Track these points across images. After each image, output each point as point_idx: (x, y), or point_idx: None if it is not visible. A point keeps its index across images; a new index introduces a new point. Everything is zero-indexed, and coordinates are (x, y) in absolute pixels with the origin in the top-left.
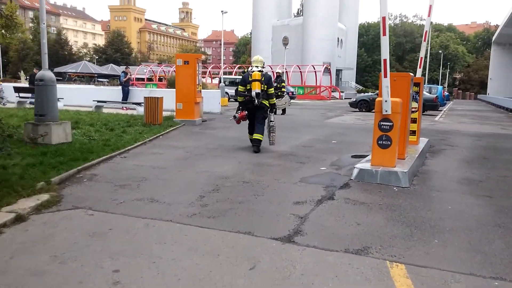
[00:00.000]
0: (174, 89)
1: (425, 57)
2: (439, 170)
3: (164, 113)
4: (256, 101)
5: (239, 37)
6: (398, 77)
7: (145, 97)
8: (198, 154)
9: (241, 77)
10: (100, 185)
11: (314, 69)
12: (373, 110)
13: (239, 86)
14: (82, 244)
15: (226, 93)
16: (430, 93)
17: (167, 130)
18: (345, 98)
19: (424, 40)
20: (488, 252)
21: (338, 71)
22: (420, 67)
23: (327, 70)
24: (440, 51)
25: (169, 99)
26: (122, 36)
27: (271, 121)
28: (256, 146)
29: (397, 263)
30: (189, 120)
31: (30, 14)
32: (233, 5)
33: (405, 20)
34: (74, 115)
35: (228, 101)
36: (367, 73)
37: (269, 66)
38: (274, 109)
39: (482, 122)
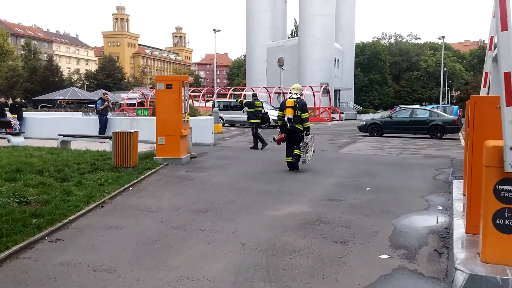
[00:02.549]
0: None
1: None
2: None
3: (145, 149)
4: (288, 126)
5: (233, 60)
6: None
7: (113, 132)
8: (176, 227)
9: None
10: None
11: (312, 90)
12: (385, 135)
13: (279, 111)
14: None
15: (221, 118)
16: (444, 114)
17: (142, 177)
18: (345, 120)
19: (490, 50)
20: None
21: (336, 92)
22: (485, 86)
23: (326, 91)
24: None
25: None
26: (114, 61)
27: (305, 142)
28: (295, 159)
29: None
30: (173, 158)
31: (22, 41)
32: (226, 28)
33: (400, 39)
34: (24, 156)
35: (223, 126)
36: (364, 93)
37: (265, 88)
38: (309, 132)
39: None
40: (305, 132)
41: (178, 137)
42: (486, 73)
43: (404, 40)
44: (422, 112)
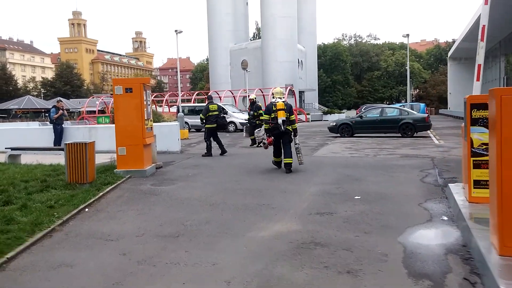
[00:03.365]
0: None
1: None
2: None
3: (104, 160)
4: (282, 127)
5: (195, 64)
6: None
7: (66, 144)
8: (142, 261)
9: (203, 104)
10: None
11: None
12: (356, 135)
13: (264, 115)
14: None
15: (186, 123)
16: (414, 112)
17: (100, 194)
18: (312, 121)
19: (482, 40)
20: None
21: (301, 93)
22: (478, 79)
23: (291, 92)
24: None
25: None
26: (72, 68)
27: (296, 144)
28: (288, 168)
29: None
30: (136, 170)
31: None
32: (187, 32)
33: (360, 40)
34: None
35: (189, 132)
36: (327, 93)
37: (230, 91)
38: (297, 133)
39: None
40: (293, 133)
41: (141, 146)
42: (479, 65)
43: (364, 40)
44: (392, 110)
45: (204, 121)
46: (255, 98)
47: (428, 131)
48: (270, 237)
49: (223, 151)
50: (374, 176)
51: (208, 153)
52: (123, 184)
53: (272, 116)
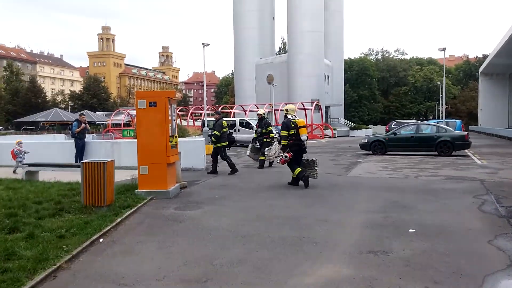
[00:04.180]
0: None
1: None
2: None
3: (126, 177)
4: (305, 144)
5: (220, 78)
6: None
7: (83, 162)
8: None
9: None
10: None
11: (304, 106)
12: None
13: (282, 131)
14: None
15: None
16: (451, 129)
17: (118, 220)
18: (338, 136)
19: None
20: None
21: (327, 108)
22: None
23: (318, 107)
24: (438, 83)
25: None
26: (99, 81)
27: (314, 159)
28: (308, 182)
29: None
30: (159, 191)
31: (4, 63)
32: (213, 46)
33: (387, 55)
34: None
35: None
36: (354, 108)
37: (255, 105)
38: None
39: None
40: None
41: (165, 165)
42: None
43: (391, 55)
44: (428, 127)
45: (219, 138)
46: (264, 114)
47: (466, 150)
48: (318, 287)
49: (234, 171)
50: (423, 202)
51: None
52: (144, 207)
53: (291, 133)
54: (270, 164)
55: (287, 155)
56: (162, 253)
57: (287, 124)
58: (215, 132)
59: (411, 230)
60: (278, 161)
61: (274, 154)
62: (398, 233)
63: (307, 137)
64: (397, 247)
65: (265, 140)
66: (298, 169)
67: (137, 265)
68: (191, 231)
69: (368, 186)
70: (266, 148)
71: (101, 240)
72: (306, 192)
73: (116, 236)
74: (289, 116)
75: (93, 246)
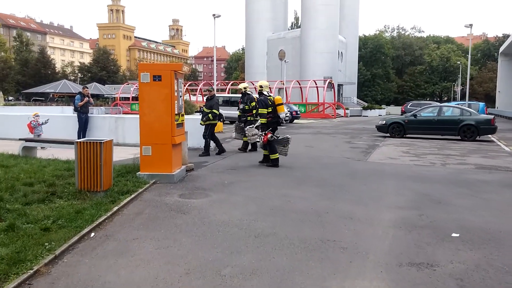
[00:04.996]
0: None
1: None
2: None
3: (128, 156)
4: (283, 122)
5: (231, 53)
6: None
7: (76, 142)
8: None
9: (238, 96)
10: None
11: (316, 84)
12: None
13: (262, 109)
14: None
15: (220, 114)
16: (476, 112)
17: (115, 209)
18: (350, 116)
19: None
20: None
21: (340, 86)
22: None
23: (330, 85)
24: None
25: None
26: (108, 54)
27: (288, 137)
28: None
29: None
30: (163, 174)
31: (14, 32)
32: (224, 20)
33: (403, 32)
34: None
35: (224, 124)
36: (366, 87)
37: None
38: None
39: None
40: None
41: (170, 146)
42: None
43: (408, 33)
44: (451, 110)
45: (219, 117)
46: (247, 88)
47: (492, 136)
48: None
49: (221, 150)
50: (459, 197)
51: (206, 152)
52: (146, 194)
53: (270, 110)
54: (253, 147)
55: (269, 134)
56: (162, 255)
57: (265, 102)
58: (214, 110)
59: (454, 235)
60: (259, 140)
61: (255, 133)
62: (440, 237)
63: (285, 114)
64: (443, 258)
65: (249, 118)
66: (276, 155)
67: (130, 272)
68: (197, 226)
69: (392, 174)
70: (248, 127)
71: (92, 234)
72: (322, 180)
73: (110, 230)
74: (265, 93)
75: (82, 243)
